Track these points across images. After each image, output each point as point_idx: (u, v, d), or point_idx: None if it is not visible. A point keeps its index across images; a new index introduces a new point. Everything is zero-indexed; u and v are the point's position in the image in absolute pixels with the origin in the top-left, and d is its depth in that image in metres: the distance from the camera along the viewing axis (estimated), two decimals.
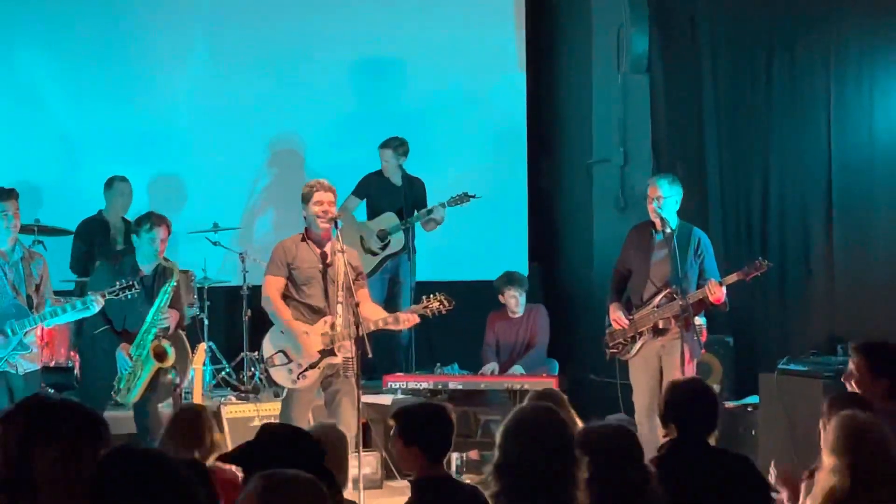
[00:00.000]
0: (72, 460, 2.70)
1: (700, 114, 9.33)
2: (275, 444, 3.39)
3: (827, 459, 3.90)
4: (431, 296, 6.78)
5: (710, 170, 9.25)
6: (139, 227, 7.10)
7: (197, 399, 7.65)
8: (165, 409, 8.15)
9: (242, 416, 7.91)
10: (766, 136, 8.83)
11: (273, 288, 6.79)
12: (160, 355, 6.97)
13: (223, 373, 8.95)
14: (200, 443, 4.88)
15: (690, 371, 6.91)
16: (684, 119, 9.50)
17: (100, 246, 8.70)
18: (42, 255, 7.00)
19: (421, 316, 6.82)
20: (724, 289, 6.95)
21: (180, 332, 8.37)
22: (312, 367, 6.69)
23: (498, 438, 3.74)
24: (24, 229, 7.60)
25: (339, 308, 6.68)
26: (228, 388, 8.85)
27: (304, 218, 6.85)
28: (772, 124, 8.78)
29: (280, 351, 6.78)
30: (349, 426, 6.48)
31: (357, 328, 6.46)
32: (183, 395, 8.27)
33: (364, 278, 6.98)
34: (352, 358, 6.59)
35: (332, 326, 6.66)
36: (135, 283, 6.78)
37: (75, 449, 2.71)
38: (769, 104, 8.80)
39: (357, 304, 6.52)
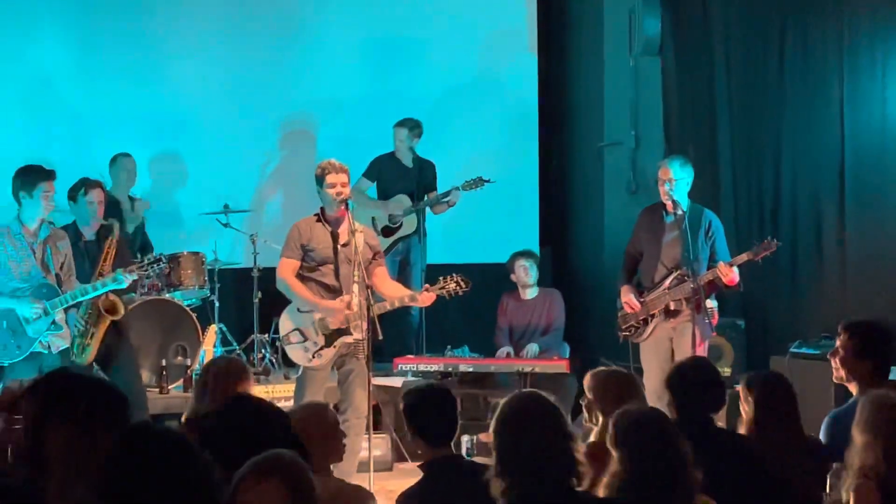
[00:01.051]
0: (85, 439, 2.69)
1: (712, 96, 9.30)
2: (244, 415, 3.33)
3: (858, 438, 3.87)
4: (448, 276, 6.79)
5: (722, 152, 9.22)
6: (75, 193, 7.14)
7: None
8: (176, 390, 8.20)
9: None
10: (778, 118, 8.79)
11: (287, 269, 6.77)
12: (110, 309, 6.97)
13: (234, 354, 8.96)
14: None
15: (701, 353, 6.90)
16: (696, 102, 9.47)
17: None
18: (66, 234, 7.01)
19: (437, 296, 6.81)
20: (735, 269, 6.94)
21: (191, 313, 8.42)
22: (327, 345, 6.69)
23: (491, 437, 3.70)
24: None
25: (355, 287, 6.66)
26: None
27: (320, 198, 6.83)
28: (784, 107, 8.74)
29: (296, 329, 6.78)
30: (360, 408, 6.51)
31: (368, 310, 6.47)
32: (193, 376, 8.31)
33: (382, 257, 6.96)
34: (363, 339, 6.60)
35: (349, 305, 6.65)
36: (162, 257, 6.84)
37: (89, 428, 2.71)
38: (781, 86, 8.76)
39: (369, 287, 6.53)
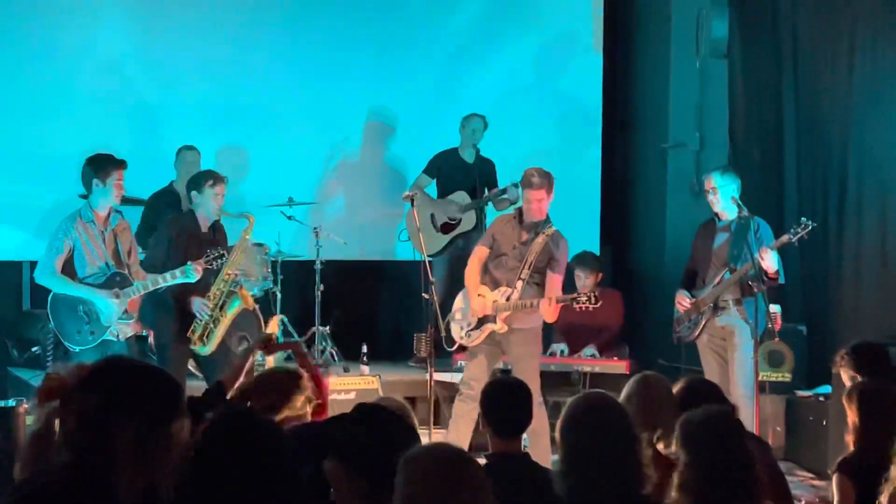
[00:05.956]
0: (150, 433, 2.69)
1: (779, 100, 9.24)
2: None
3: None
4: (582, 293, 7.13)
5: (788, 156, 9.16)
6: (202, 184, 7.24)
7: None
8: None
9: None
10: (845, 123, 8.72)
11: (475, 256, 7.39)
12: (245, 297, 7.23)
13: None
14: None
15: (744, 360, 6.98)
16: (762, 105, 9.41)
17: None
18: (129, 224, 7.14)
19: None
20: (772, 254, 6.97)
21: (253, 303, 8.51)
22: (476, 328, 7.19)
23: (557, 434, 3.69)
24: None
25: (519, 284, 7.08)
26: None
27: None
28: (851, 111, 8.66)
29: (461, 308, 7.32)
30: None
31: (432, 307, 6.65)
32: (255, 367, 8.39)
33: (558, 264, 7.20)
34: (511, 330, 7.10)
35: (508, 298, 7.07)
36: (226, 251, 6.99)
37: (155, 420, 2.71)
38: (849, 90, 8.68)
39: (433, 284, 6.69)
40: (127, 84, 9.51)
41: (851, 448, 4.54)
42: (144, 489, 2.67)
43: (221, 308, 7.15)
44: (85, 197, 8.22)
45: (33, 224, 9.14)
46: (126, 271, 6.86)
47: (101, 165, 6.80)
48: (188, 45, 9.63)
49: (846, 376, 4.99)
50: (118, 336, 6.83)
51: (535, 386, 7.08)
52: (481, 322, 7.19)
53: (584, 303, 6.95)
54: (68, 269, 6.78)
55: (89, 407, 2.69)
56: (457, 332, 7.35)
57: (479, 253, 7.35)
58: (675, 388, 4.61)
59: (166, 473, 2.72)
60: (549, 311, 7.01)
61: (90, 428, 2.68)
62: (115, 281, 6.78)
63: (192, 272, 6.88)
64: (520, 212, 7.30)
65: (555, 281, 7.15)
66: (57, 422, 2.91)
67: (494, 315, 7.12)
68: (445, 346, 7.72)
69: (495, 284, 7.20)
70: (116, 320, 6.79)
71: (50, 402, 2.87)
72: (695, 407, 4.27)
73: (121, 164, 6.82)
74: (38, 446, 3.03)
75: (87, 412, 2.69)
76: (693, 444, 3.65)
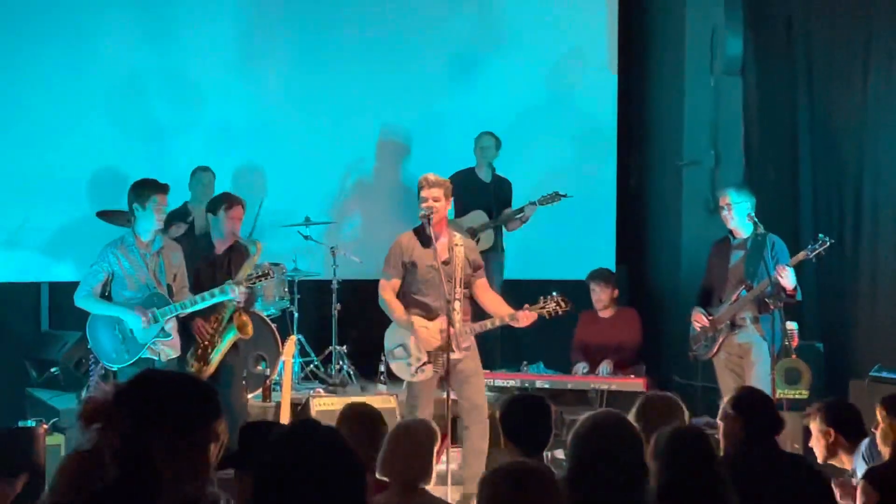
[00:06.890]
0: (184, 438, 2.74)
1: (794, 117, 9.24)
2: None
3: None
4: (549, 296, 6.89)
5: (803, 174, 9.15)
6: (218, 207, 7.32)
7: (286, 391, 7.77)
8: (256, 400, 8.32)
9: (330, 408, 7.96)
10: (860, 139, 8.71)
11: (387, 290, 6.93)
12: (242, 327, 7.14)
13: (311, 365, 9.07)
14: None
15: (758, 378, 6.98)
16: (777, 122, 9.41)
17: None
18: (179, 246, 7.19)
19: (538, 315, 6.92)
20: (790, 271, 7.00)
21: (271, 323, 8.55)
22: (430, 361, 6.83)
23: (569, 449, 3.71)
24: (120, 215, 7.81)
25: (457, 305, 6.80)
26: (316, 381, 8.96)
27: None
28: (866, 127, 8.66)
29: (400, 345, 6.92)
30: (476, 403, 6.89)
31: (448, 326, 6.59)
32: (272, 386, 8.42)
33: (482, 269, 7.08)
34: (463, 356, 6.81)
35: (451, 324, 6.74)
36: (271, 270, 7.03)
37: (186, 427, 2.75)
38: (864, 107, 8.68)
39: (450, 302, 6.65)
40: (143, 104, 9.56)
41: (886, 458, 4.56)
42: (186, 498, 2.73)
43: (222, 333, 7.18)
44: (100, 215, 8.32)
45: (51, 246, 9.20)
46: (166, 292, 6.91)
47: (142, 190, 6.90)
48: (203, 65, 9.70)
49: (816, 429, 5.03)
50: (160, 356, 6.90)
51: (482, 400, 6.99)
52: (435, 353, 6.82)
53: (553, 309, 6.86)
54: (106, 293, 6.91)
55: (125, 421, 2.75)
56: (402, 370, 6.98)
57: (393, 285, 6.91)
58: (728, 397, 4.65)
59: (206, 479, 2.78)
60: (529, 320, 6.91)
61: (128, 442, 2.73)
62: (152, 301, 6.85)
63: (231, 291, 6.93)
64: (418, 229, 6.93)
65: (485, 286, 7.05)
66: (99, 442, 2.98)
67: (448, 344, 6.69)
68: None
69: (429, 311, 6.87)
70: (154, 339, 6.84)
71: (93, 425, 2.94)
72: (748, 414, 4.33)
73: (162, 189, 6.91)
74: (82, 468, 3.10)
75: (124, 427, 2.75)
76: (660, 459, 3.68)
